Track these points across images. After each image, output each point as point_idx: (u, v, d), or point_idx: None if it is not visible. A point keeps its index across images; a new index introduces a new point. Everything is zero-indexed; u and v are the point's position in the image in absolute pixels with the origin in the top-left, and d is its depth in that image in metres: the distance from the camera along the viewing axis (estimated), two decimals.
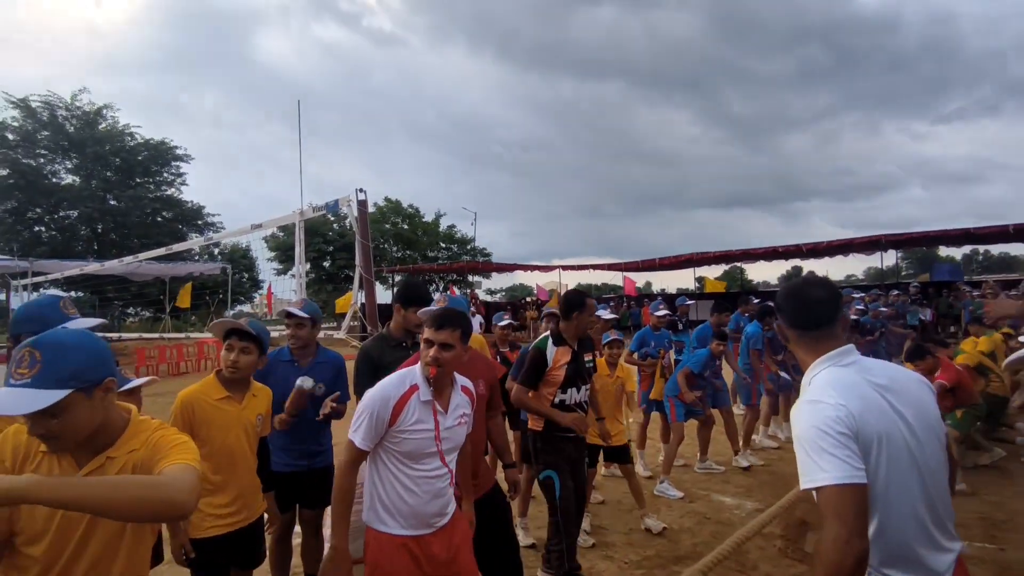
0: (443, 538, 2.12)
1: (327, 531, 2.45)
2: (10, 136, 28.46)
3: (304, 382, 2.79)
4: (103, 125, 31.37)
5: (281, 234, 29.03)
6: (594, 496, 4.61)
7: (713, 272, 28.36)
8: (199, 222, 34.32)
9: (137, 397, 2.67)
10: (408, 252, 36.91)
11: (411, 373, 2.13)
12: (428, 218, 38.04)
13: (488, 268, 31.22)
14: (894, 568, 1.39)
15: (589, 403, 3.47)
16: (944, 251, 30.16)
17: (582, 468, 3.44)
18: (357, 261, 6.73)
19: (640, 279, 29.52)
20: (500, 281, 38.71)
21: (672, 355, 6.52)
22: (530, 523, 4.12)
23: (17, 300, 20.69)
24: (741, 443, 5.84)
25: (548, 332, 3.38)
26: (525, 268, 28.82)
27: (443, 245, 38.68)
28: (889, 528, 1.38)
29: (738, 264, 28.23)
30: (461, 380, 2.26)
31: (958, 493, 3.94)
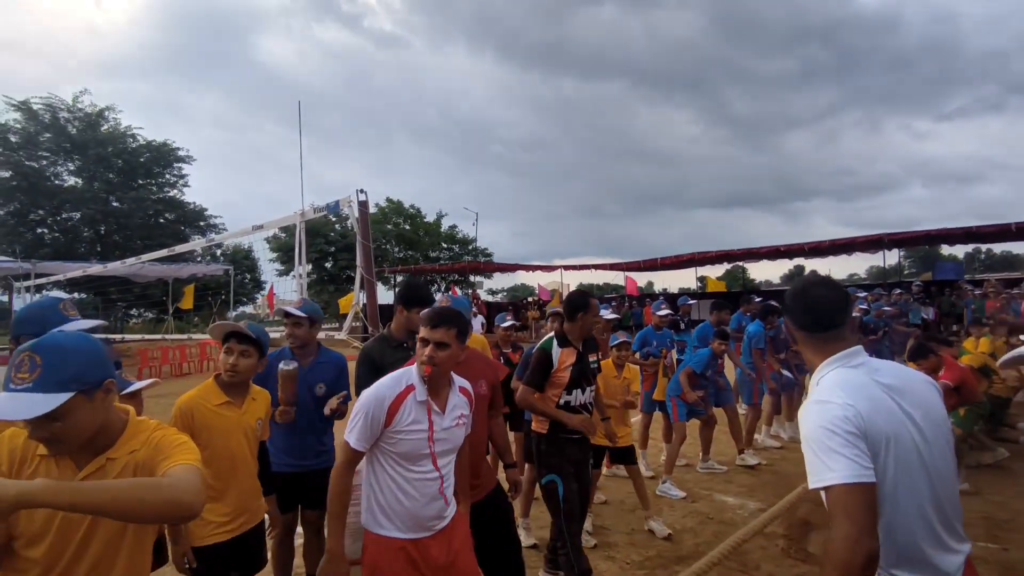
0: (442, 541, 2.09)
1: None
2: (13, 138, 28.52)
3: (286, 364, 2.76)
4: (105, 127, 31.44)
5: (283, 235, 29.08)
6: (597, 496, 4.60)
7: (715, 272, 28.36)
8: (201, 223, 34.37)
9: (138, 400, 2.68)
10: (410, 252, 36.96)
11: (407, 373, 2.11)
12: (430, 218, 38.15)
13: (490, 268, 31.23)
14: (903, 569, 1.39)
15: (594, 404, 3.46)
16: (946, 250, 30.10)
17: (586, 469, 3.42)
18: (358, 262, 6.73)
19: (642, 279, 29.55)
20: (501, 281, 38.77)
21: (674, 355, 6.52)
22: (532, 523, 4.12)
23: (20, 302, 20.75)
24: (744, 442, 5.84)
25: (552, 333, 3.37)
26: (527, 268, 28.83)
27: (445, 245, 38.73)
28: (897, 529, 1.37)
29: (740, 263, 28.17)
30: (459, 381, 2.23)
31: (961, 492, 3.93)
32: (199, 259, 30.54)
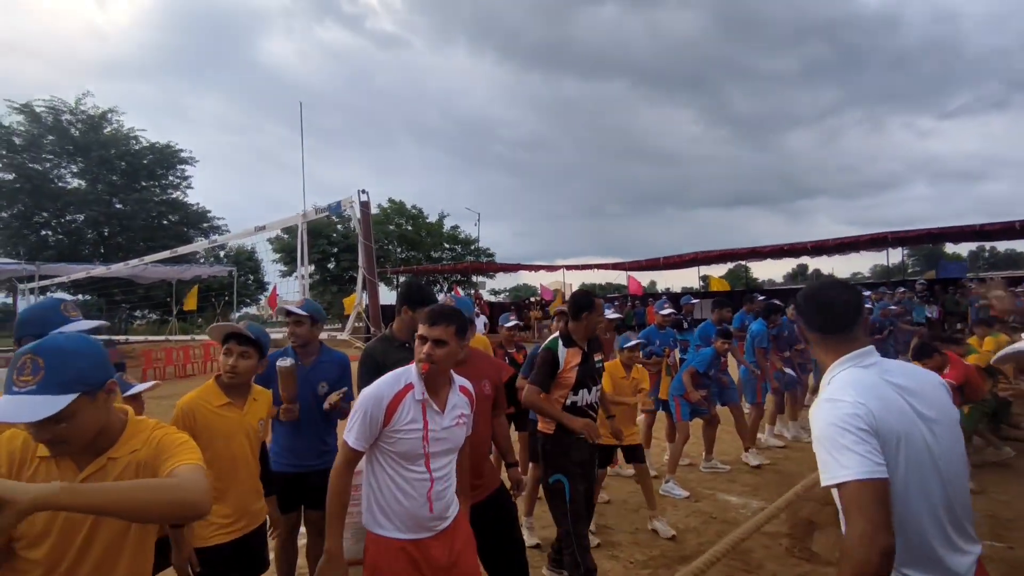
0: (444, 542, 2.07)
1: None
2: (16, 141, 28.63)
3: (282, 361, 2.78)
4: (108, 129, 31.52)
5: (285, 236, 29.13)
6: (600, 495, 4.60)
7: (718, 271, 28.31)
8: (204, 225, 34.45)
9: (139, 402, 2.68)
10: (412, 253, 36.98)
11: (407, 372, 2.09)
12: (432, 219, 38.14)
13: (492, 268, 31.22)
14: (914, 568, 1.38)
15: (599, 403, 3.45)
16: (950, 248, 29.99)
17: (592, 470, 3.41)
18: (360, 262, 6.73)
19: (644, 278, 29.51)
20: (504, 281, 38.73)
21: (677, 354, 6.51)
22: (535, 523, 4.12)
23: (24, 304, 20.79)
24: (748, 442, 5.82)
25: (557, 333, 3.36)
26: (529, 268, 28.79)
27: (447, 246, 38.73)
28: (908, 529, 1.37)
29: (743, 263, 28.11)
30: (459, 380, 2.22)
31: None
32: (202, 261, 30.57)
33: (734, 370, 6.22)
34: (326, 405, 2.88)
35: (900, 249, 22.52)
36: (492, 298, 32.44)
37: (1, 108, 27.89)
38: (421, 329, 2.08)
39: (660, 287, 33.94)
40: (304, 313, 3.05)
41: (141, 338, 19.13)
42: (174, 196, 34.22)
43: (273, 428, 3.01)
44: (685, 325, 7.51)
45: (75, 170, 31.06)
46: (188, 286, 21.08)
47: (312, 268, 33.36)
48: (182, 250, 14.25)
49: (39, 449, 1.37)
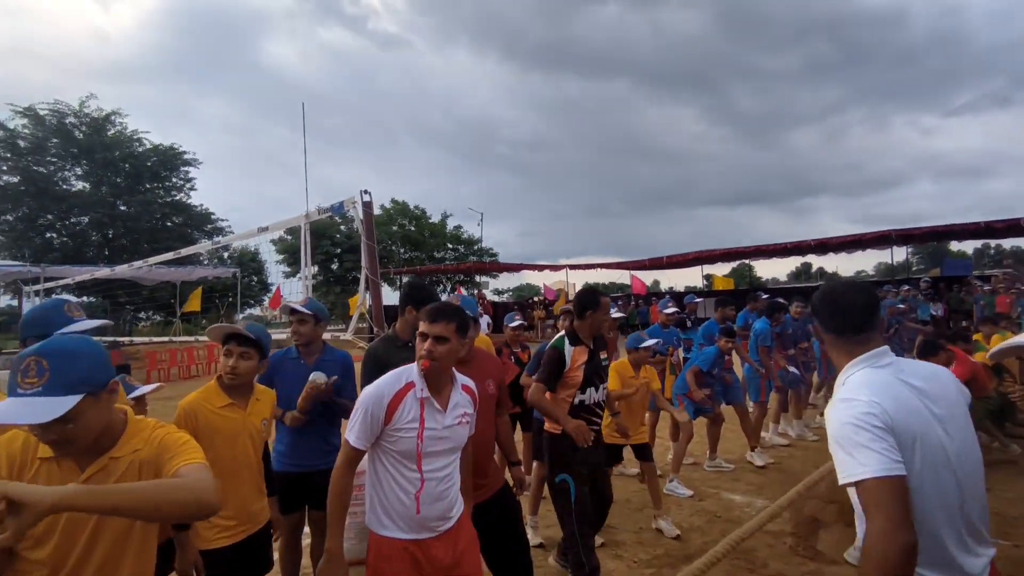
0: (447, 542, 2.05)
1: None
2: (21, 144, 28.75)
3: (317, 377, 2.81)
4: (112, 131, 31.60)
5: (289, 237, 29.18)
6: None
7: (721, 270, 28.26)
8: (208, 227, 34.54)
9: (143, 404, 2.68)
10: (415, 253, 37.00)
11: (408, 370, 2.08)
12: (435, 219, 38.14)
13: (495, 268, 31.22)
14: (928, 569, 1.38)
15: (605, 402, 3.44)
16: (955, 246, 29.85)
17: (603, 474, 3.38)
18: (363, 263, 6.73)
19: (648, 278, 29.47)
20: (507, 281, 38.73)
21: (680, 353, 6.50)
22: (539, 522, 4.12)
23: (29, 306, 20.91)
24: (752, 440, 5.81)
25: (563, 331, 3.34)
26: (532, 268, 28.78)
27: (450, 246, 38.73)
28: (923, 530, 1.36)
29: (746, 261, 28.06)
30: (462, 379, 2.20)
31: None
32: (206, 262, 30.66)
33: (740, 369, 6.20)
34: (313, 385, 2.85)
35: (904, 247, 22.42)
36: (495, 298, 32.45)
37: (5, 112, 28.07)
38: (422, 326, 2.07)
39: (663, 286, 33.91)
40: (308, 312, 3.07)
41: (145, 339, 19.19)
42: (178, 198, 34.30)
43: (277, 428, 3.02)
44: (689, 324, 7.51)
45: (79, 173, 31.17)
46: (192, 287, 21.11)
47: (315, 269, 33.41)
48: (186, 251, 14.25)
49: (39, 451, 1.38)
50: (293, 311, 3.10)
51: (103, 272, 18.14)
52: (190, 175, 34.47)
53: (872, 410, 1.36)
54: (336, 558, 1.97)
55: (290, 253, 30.33)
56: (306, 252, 8.01)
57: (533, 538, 3.85)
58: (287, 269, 31.49)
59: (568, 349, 3.13)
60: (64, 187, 30.67)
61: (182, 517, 1.39)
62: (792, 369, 6.46)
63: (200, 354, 15.71)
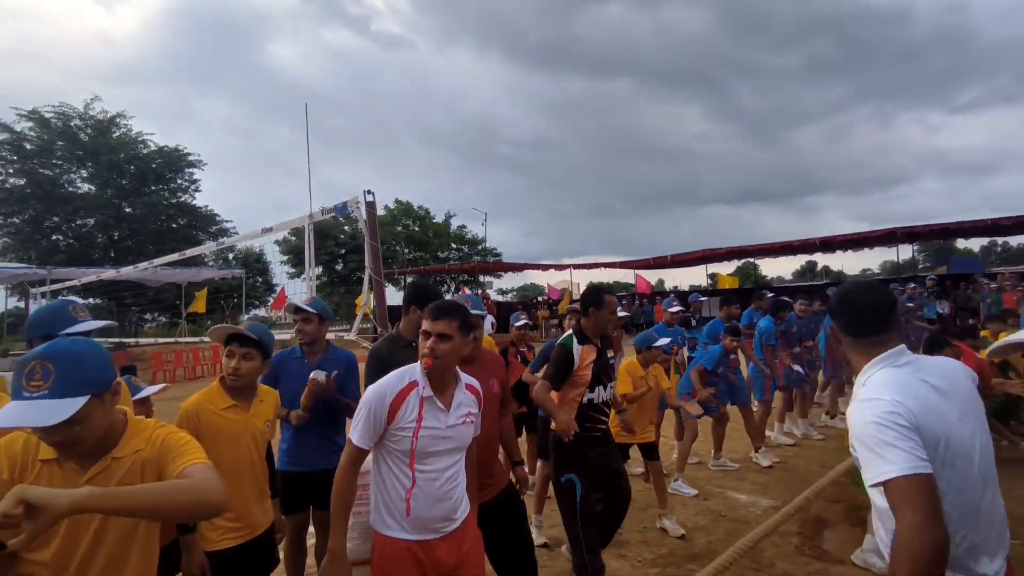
0: (451, 544, 2.03)
1: None
2: (28, 146, 28.92)
3: (317, 374, 2.83)
4: (117, 133, 31.75)
5: (293, 238, 29.26)
6: None
7: (726, 268, 28.18)
8: (213, 228, 34.66)
9: (148, 405, 2.68)
10: (419, 253, 37.02)
11: (411, 369, 2.07)
12: (438, 219, 38.17)
13: (499, 268, 31.21)
14: (948, 569, 1.37)
15: (612, 401, 3.43)
16: (962, 243, 29.68)
17: (618, 477, 3.32)
18: (367, 263, 6.74)
19: (652, 277, 29.37)
20: (511, 281, 38.71)
21: (685, 352, 6.48)
22: (544, 521, 4.11)
23: (36, 307, 21.02)
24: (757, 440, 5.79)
25: (571, 330, 3.32)
26: (536, 267, 28.77)
27: (454, 246, 38.74)
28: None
29: (751, 260, 27.95)
30: (466, 378, 2.18)
31: None
32: (211, 263, 30.78)
33: (745, 370, 6.18)
34: (314, 382, 2.85)
35: (910, 245, 22.31)
36: (499, 298, 32.47)
37: (10, 115, 28.21)
38: (424, 324, 2.06)
39: (668, 285, 33.87)
40: (313, 310, 3.10)
41: (151, 340, 19.29)
42: (182, 199, 34.44)
43: (281, 428, 3.03)
44: (693, 323, 7.49)
45: (85, 175, 31.32)
46: (197, 289, 21.21)
47: (320, 270, 33.47)
48: (190, 252, 14.29)
49: (40, 452, 1.38)
50: (298, 310, 3.13)
51: (109, 274, 18.23)
52: (195, 176, 34.65)
53: (897, 409, 1.36)
54: (339, 558, 1.96)
55: (294, 254, 30.42)
56: (310, 252, 8.02)
57: (538, 537, 3.85)
58: (291, 270, 31.59)
59: (576, 348, 3.11)
60: (70, 189, 30.83)
61: (192, 516, 1.41)
62: (797, 368, 6.43)
63: (205, 355, 15.78)
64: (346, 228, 33.24)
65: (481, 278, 32.58)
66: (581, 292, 3.82)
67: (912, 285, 12.81)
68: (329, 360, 3.08)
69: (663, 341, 4.36)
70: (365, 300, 7.08)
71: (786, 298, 6.75)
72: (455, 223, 38.55)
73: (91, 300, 27.00)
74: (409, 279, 28.59)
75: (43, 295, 18.47)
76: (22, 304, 24.02)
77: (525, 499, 2.91)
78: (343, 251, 33.74)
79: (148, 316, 32.04)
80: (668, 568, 3.61)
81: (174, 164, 33.44)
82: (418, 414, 1.98)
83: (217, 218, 35.03)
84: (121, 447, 1.44)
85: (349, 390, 3.05)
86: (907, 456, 1.30)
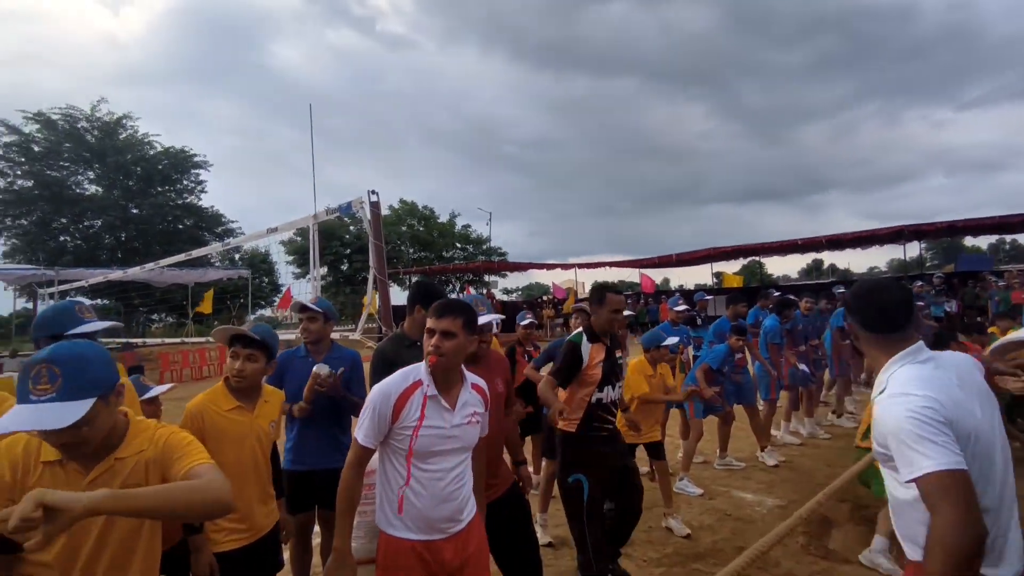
0: (457, 544, 2.02)
1: None
2: (35, 148, 29.13)
3: (321, 368, 2.85)
4: (123, 135, 31.92)
5: (299, 238, 29.33)
6: None
7: (731, 267, 28.03)
8: (219, 229, 34.82)
9: (157, 404, 2.69)
10: (424, 253, 37.09)
11: (416, 368, 2.06)
12: (443, 219, 38.23)
13: (504, 267, 31.20)
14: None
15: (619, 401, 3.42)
16: (970, 241, 29.43)
17: (629, 471, 3.31)
18: (371, 262, 6.77)
19: (657, 276, 29.30)
20: (516, 280, 38.71)
21: (691, 351, 6.46)
22: (549, 520, 4.11)
23: (43, 308, 21.13)
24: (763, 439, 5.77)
25: (581, 328, 3.29)
26: (541, 267, 28.75)
27: (459, 245, 38.80)
28: None
29: (757, 258, 27.83)
30: (472, 378, 2.17)
31: None
32: (216, 264, 30.91)
33: (752, 368, 6.16)
34: (316, 377, 2.86)
35: (918, 243, 22.15)
36: (504, 297, 32.45)
37: (16, 119, 28.42)
38: (429, 322, 2.05)
39: (673, 284, 33.75)
40: (318, 309, 3.12)
41: (158, 341, 19.40)
42: (189, 200, 34.60)
43: (287, 427, 3.04)
44: (699, 322, 7.48)
45: (92, 176, 31.52)
46: (204, 289, 21.32)
47: (325, 270, 33.60)
48: (196, 253, 14.38)
49: (42, 454, 1.39)
50: (303, 308, 3.16)
51: (116, 274, 18.36)
52: (200, 177, 34.81)
53: (931, 404, 1.36)
54: (344, 556, 1.96)
55: (300, 254, 30.51)
56: (315, 253, 8.06)
57: (542, 537, 3.85)
58: (297, 270, 31.71)
59: (586, 346, 3.08)
60: (77, 191, 31.04)
61: (202, 516, 1.44)
62: (802, 367, 6.40)
63: (212, 355, 15.85)
64: (351, 228, 33.33)
65: (486, 278, 32.59)
66: (587, 291, 3.79)
67: (919, 283, 12.75)
68: (334, 358, 3.10)
69: (671, 340, 4.34)
70: (369, 300, 7.11)
71: (792, 297, 6.72)
72: (460, 223, 38.66)
73: (98, 301, 27.16)
74: (414, 279, 28.64)
75: (51, 296, 18.59)
76: (30, 305, 24.15)
77: (530, 498, 2.91)
78: (348, 251, 33.86)
79: (155, 317, 32.22)
80: (673, 567, 3.60)
81: (180, 165, 33.61)
82: (421, 412, 1.98)
83: (223, 219, 35.19)
84: (124, 447, 1.45)
85: (354, 388, 3.06)
86: (944, 451, 1.30)
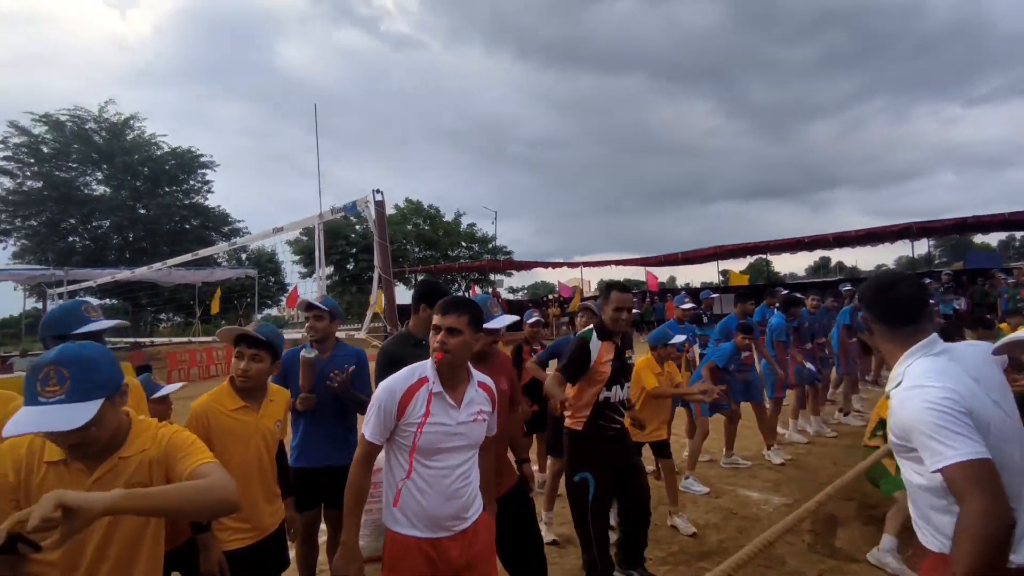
0: (463, 543, 2.02)
1: None
2: (44, 149, 29.34)
3: (307, 352, 2.86)
4: (131, 135, 32.12)
5: (305, 238, 29.44)
6: None
7: (738, 265, 27.94)
8: (225, 228, 34.98)
9: (167, 403, 2.70)
10: (429, 252, 37.11)
11: (422, 366, 2.07)
12: (448, 218, 38.24)
13: (509, 266, 31.19)
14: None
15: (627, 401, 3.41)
16: (979, 238, 29.21)
17: (635, 470, 3.30)
18: (376, 262, 6.79)
19: (663, 274, 29.25)
20: (522, 279, 38.72)
21: (697, 349, 6.44)
22: (554, 518, 4.11)
23: (51, 308, 21.30)
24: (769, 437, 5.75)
25: (591, 325, 3.27)
26: (546, 265, 28.72)
27: (464, 244, 38.79)
28: None
29: (763, 256, 27.72)
30: (479, 376, 2.17)
31: None
32: (223, 264, 31.05)
33: (758, 367, 6.13)
34: (303, 358, 2.88)
35: (926, 240, 22.01)
36: (510, 296, 32.46)
37: (24, 120, 28.63)
38: (435, 319, 2.06)
39: (679, 283, 33.70)
40: (324, 308, 3.15)
41: (166, 340, 19.53)
42: (196, 200, 34.77)
43: (293, 425, 3.05)
44: (705, 320, 7.45)
45: (100, 177, 31.73)
46: (211, 289, 21.43)
47: (331, 269, 33.68)
48: (203, 252, 14.47)
49: (46, 454, 1.40)
50: (310, 306, 3.18)
51: (124, 274, 18.48)
52: (207, 177, 34.98)
53: (950, 395, 1.36)
54: (352, 550, 1.97)
55: (306, 254, 30.62)
56: (320, 252, 8.09)
57: (547, 535, 3.85)
58: (303, 269, 31.82)
59: (595, 342, 3.07)
60: (85, 191, 31.25)
61: (211, 515, 1.48)
62: (809, 365, 6.38)
63: (219, 354, 15.96)
64: (357, 227, 33.39)
65: (491, 276, 32.62)
66: (593, 289, 3.76)
67: (928, 281, 12.65)
68: (339, 356, 3.11)
69: (679, 338, 4.33)
70: (374, 299, 7.13)
71: (798, 295, 6.69)
72: (465, 221, 38.63)
73: (107, 301, 27.38)
74: (419, 278, 28.67)
75: (60, 296, 18.73)
76: (40, 305, 24.37)
77: (535, 496, 2.91)
78: (354, 250, 33.91)
79: (163, 316, 32.41)
80: (679, 566, 3.60)
81: (187, 165, 33.78)
82: (426, 409, 1.98)
83: (229, 218, 35.36)
84: (127, 447, 1.46)
85: (360, 386, 3.07)
86: (968, 441, 1.30)
